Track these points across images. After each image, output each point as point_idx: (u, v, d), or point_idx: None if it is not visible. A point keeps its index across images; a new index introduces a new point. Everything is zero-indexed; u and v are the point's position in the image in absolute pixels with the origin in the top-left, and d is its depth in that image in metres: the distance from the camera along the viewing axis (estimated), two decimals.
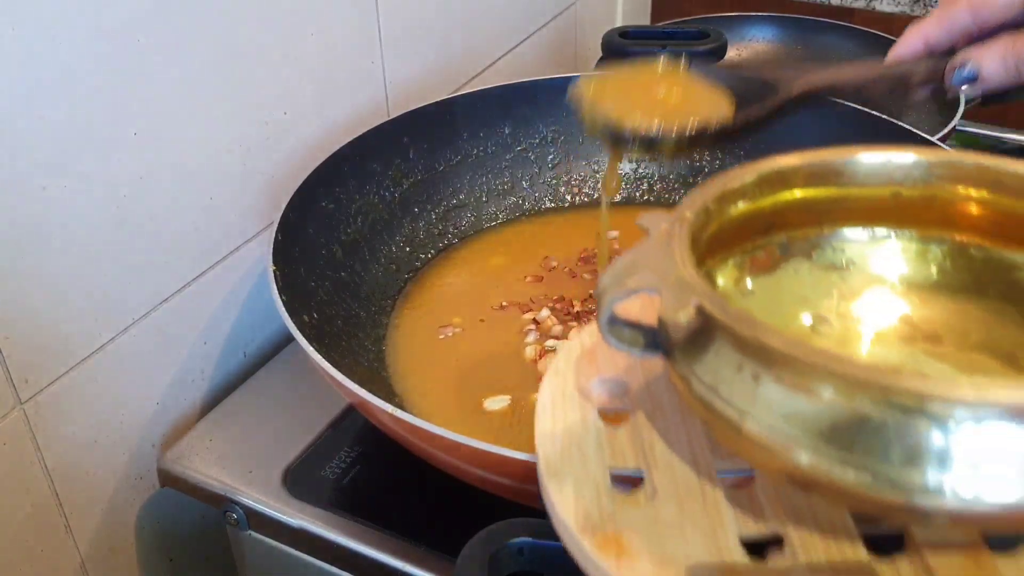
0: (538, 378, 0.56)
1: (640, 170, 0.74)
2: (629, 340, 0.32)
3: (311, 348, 0.47)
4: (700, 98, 0.46)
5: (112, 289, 0.52)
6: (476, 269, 0.67)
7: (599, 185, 0.73)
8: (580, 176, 0.74)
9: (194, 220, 0.56)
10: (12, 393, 0.48)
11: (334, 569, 0.50)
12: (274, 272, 0.52)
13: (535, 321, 0.60)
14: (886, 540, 0.31)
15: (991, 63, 0.43)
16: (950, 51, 0.46)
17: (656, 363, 0.36)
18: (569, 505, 0.32)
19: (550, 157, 0.73)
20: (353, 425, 0.56)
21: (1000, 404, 0.25)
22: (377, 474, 0.53)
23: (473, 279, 0.66)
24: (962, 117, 0.73)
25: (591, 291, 0.63)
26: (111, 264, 0.51)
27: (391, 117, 0.67)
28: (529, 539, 0.36)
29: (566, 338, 0.58)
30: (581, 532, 0.31)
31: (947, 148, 0.60)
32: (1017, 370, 0.35)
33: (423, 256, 0.67)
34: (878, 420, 0.26)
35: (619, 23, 1.08)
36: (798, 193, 0.36)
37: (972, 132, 0.83)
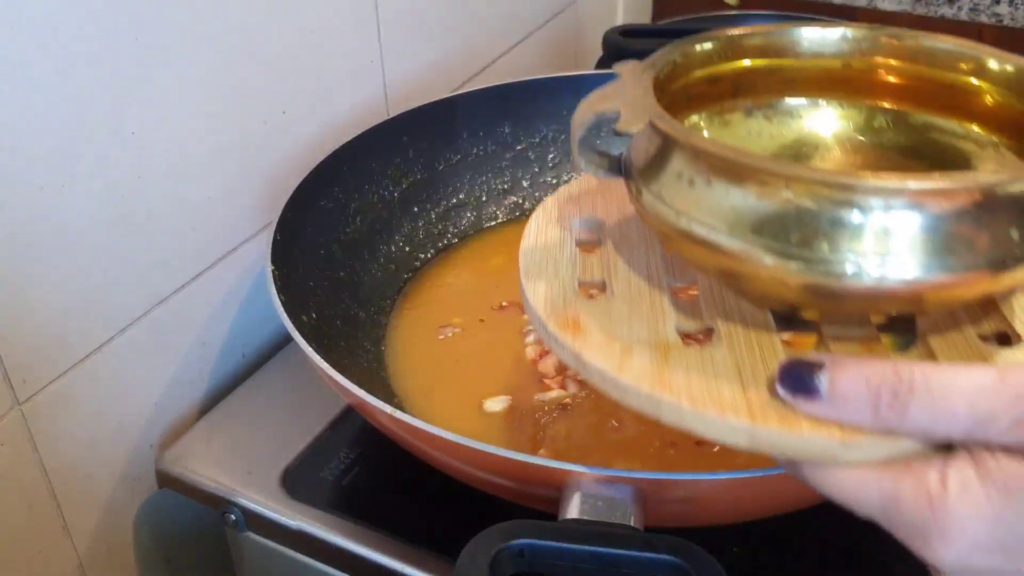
0: (538, 379, 0.55)
1: None
2: (596, 163, 0.38)
3: (310, 348, 0.47)
4: None
5: (110, 289, 0.52)
6: (476, 269, 0.66)
7: None
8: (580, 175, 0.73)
9: (192, 220, 0.56)
10: (10, 393, 0.47)
11: (333, 571, 0.50)
12: (273, 272, 0.52)
13: None
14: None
15: None
16: None
17: (628, 206, 0.43)
18: (540, 298, 0.38)
19: (550, 156, 0.73)
20: (352, 426, 0.56)
21: (905, 191, 0.30)
22: (376, 475, 0.53)
23: (473, 279, 0.65)
24: None
25: None
26: (109, 264, 0.51)
27: (390, 116, 0.66)
28: (529, 540, 0.36)
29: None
30: (546, 317, 0.37)
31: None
32: None
33: (423, 256, 0.67)
34: (799, 212, 0.31)
35: (620, 21, 1.08)
36: (749, 63, 0.42)
37: None
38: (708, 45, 0.41)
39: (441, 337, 0.60)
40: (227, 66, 0.55)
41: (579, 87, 0.72)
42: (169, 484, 0.55)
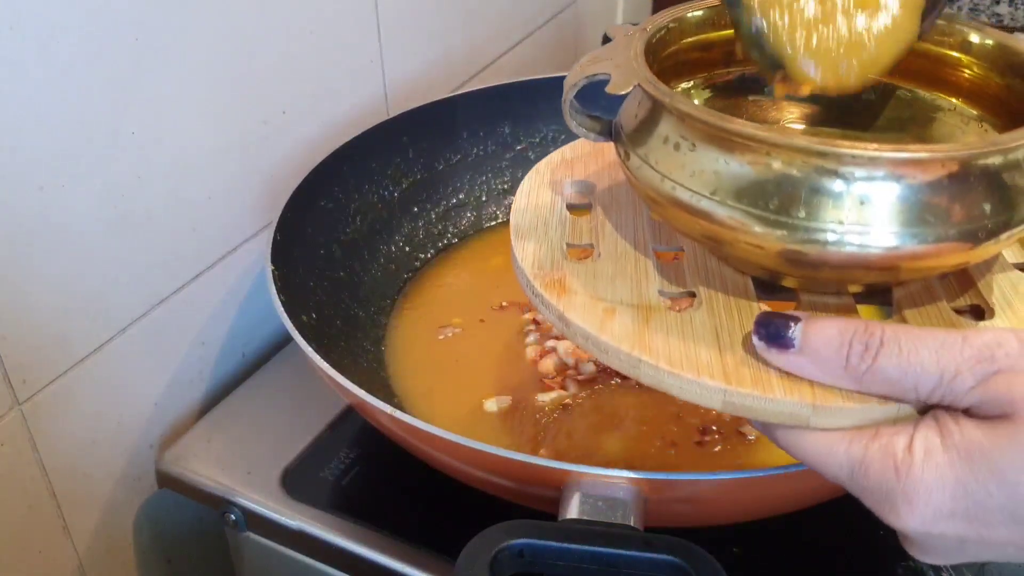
0: (538, 379, 0.55)
1: None
2: (587, 126, 0.39)
3: (310, 348, 0.47)
4: None
5: (110, 289, 0.52)
6: (476, 269, 0.66)
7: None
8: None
9: (192, 220, 0.56)
10: (10, 393, 0.47)
11: (333, 571, 0.50)
12: (273, 272, 0.52)
13: (535, 321, 0.60)
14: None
15: None
16: None
17: (618, 171, 0.44)
18: (528, 257, 0.39)
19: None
20: (352, 426, 0.56)
21: (882, 160, 0.30)
22: (376, 475, 0.53)
23: (473, 279, 0.65)
24: None
25: None
26: (109, 264, 0.51)
27: (390, 116, 0.66)
28: (529, 540, 0.36)
29: (566, 338, 0.58)
30: (533, 277, 0.38)
31: None
32: None
33: (422, 256, 0.67)
34: (780, 178, 0.32)
35: (620, 21, 1.08)
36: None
37: None
38: (700, 12, 0.41)
39: (441, 337, 0.60)
40: (227, 66, 0.55)
41: None
42: (169, 484, 0.55)
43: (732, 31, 0.41)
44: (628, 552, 0.35)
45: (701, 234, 0.35)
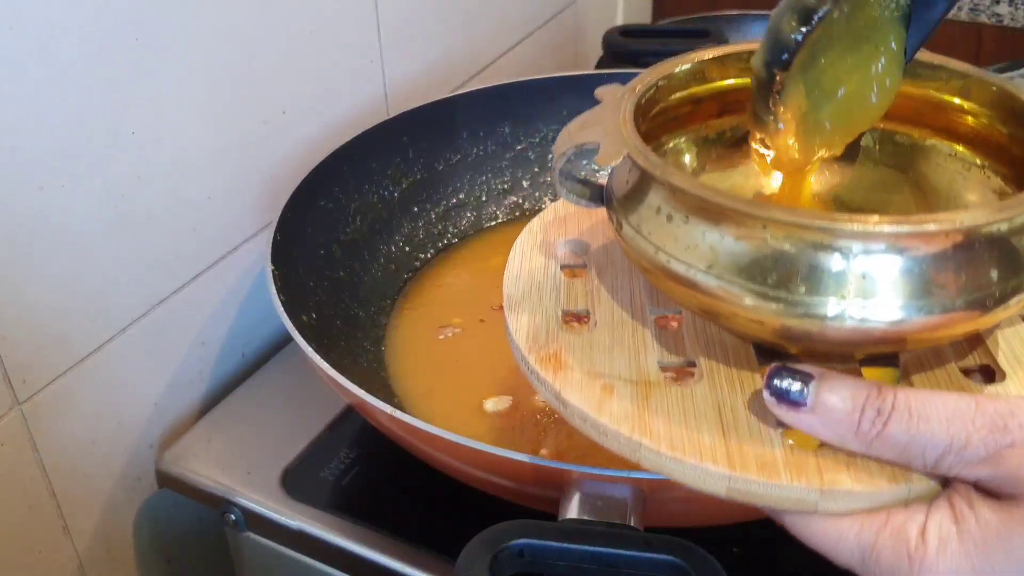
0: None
1: None
2: (578, 192, 0.38)
3: (310, 348, 0.47)
4: None
5: (110, 289, 0.52)
6: (476, 269, 0.66)
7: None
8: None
9: (192, 220, 0.56)
10: (10, 393, 0.47)
11: (333, 571, 0.50)
12: (273, 272, 0.52)
13: None
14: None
15: None
16: None
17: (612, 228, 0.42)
18: (523, 330, 0.38)
19: (550, 156, 0.73)
20: (352, 426, 0.56)
21: (884, 235, 0.29)
22: (376, 475, 0.53)
23: (473, 279, 0.65)
24: None
25: None
26: (109, 264, 0.51)
27: (390, 116, 0.66)
28: (529, 540, 0.36)
29: None
30: (528, 350, 0.36)
31: None
32: None
33: (422, 256, 0.67)
34: (777, 254, 0.31)
35: (620, 21, 1.08)
36: (732, 82, 0.41)
37: None
38: (688, 66, 0.40)
39: (441, 337, 0.60)
40: (227, 66, 0.55)
41: (579, 87, 0.73)
42: (169, 484, 0.55)
43: (723, 83, 0.40)
44: (628, 552, 0.35)
45: (697, 307, 0.34)
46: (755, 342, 0.36)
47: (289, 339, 0.50)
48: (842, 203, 0.42)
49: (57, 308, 0.49)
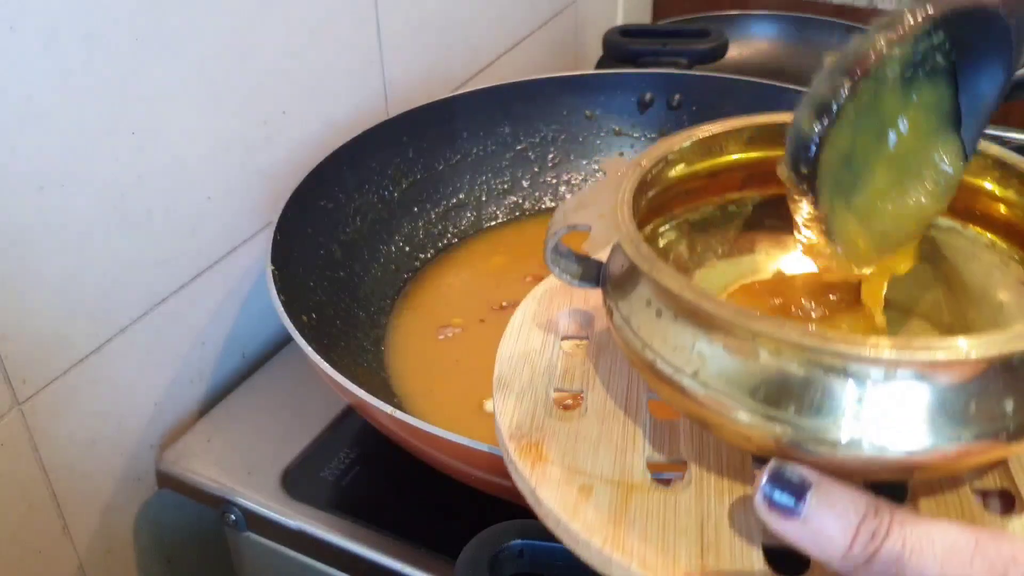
0: None
1: None
2: (571, 272, 0.36)
3: (310, 349, 0.47)
4: None
5: (110, 289, 0.52)
6: (476, 269, 0.66)
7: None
8: (580, 176, 0.73)
9: (192, 220, 0.56)
10: (10, 393, 0.47)
11: (333, 571, 0.50)
12: (272, 272, 0.52)
13: None
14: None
15: None
16: None
17: None
18: (508, 414, 0.35)
19: (550, 156, 0.73)
20: (352, 426, 0.56)
21: (904, 363, 0.27)
22: (376, 475, 0.53)
23: (473, 279, 0.65)
24: None
25: None
26: (109, 264, 0.51)
27: (390, 116, 0.66)
28: (529, 540, 0.36)
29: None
30: (509, 438, 0.34)
31: None
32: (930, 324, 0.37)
33: (423, 256, 0.67)
34: (772, 371, 0.28)
35: (620, 21, 1.08)
36: (755, 154, 0.38)
37: None
38: (705, 136, 0.37)
39: (441, 337, 0.60)
40: (227, 66, 0.55)
41: (579, 87, 0.73)
42: (169, 484, 0.55)
43: (743, 156, 0.38)
44: None
45: (685, 412, 0.32)
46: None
47: (289, 339, 0.50)
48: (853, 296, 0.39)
49: (57, 308, 0.49)
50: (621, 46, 0.80)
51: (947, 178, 0.34)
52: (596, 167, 0.73)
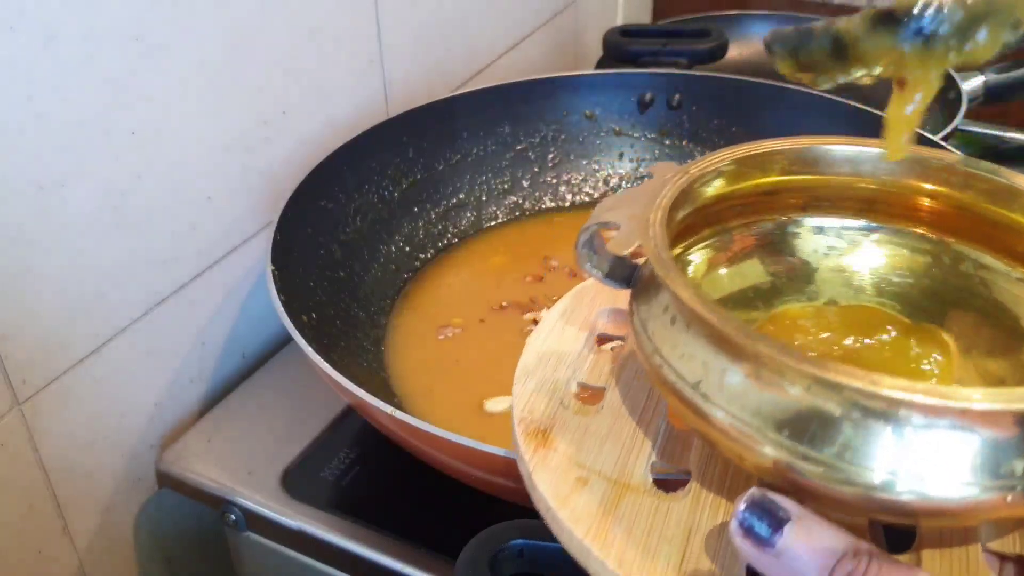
0: None
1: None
2: (599, 267, 0.35)
3: (310, 349, 0.47)
4: None
5: (110, 289, 0.52)
6: (476, 269, 0.66)
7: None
8: (580, 175, 0.73)
9: (192, 220, 0.56)
10: (10, 393, 0.47)
11: (333, 571, 0.50)
12: (272, 272, 0.52)
13: (535, 321, 0.60)
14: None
15: None
16: None
17: None
18: (524, 397, 0.36)
19: (550, 156, 0.73)
20: (352, 426, 0.56)
21: (954, 410, 0.25)
22: (376, 475, 0.53)
23: (473, 279, 0.65)
24: (964, 117, 0.73)
25: None
26: (109, 264, 0.51)
27: (390, 116, 0.66)
28: (529, 540, 0.36)
29: None
30: (519, 421, 0.35)
31: (949, 148, 0.60)
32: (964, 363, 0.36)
33: (423, 256, 0.67)
34: (792, 404, 0.27)
35: (620, 21, 1.08)
36: (810, 176, 0.37)
37: (974, 132, 0.83)
38: (767, 151, 0.36)
39: (441, 337, 0.60)
40: (227, 65, 0.55)
41: (579, 87, 0.73)
42: (169, 484, 0.55)
43: (810, 177, 0.37)
44: None
45: (690, 427, 0.31)
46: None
47: (289, 339, 0.50)
48: (899, 296, 0.38)
49: (57, 308, 0.49)
50: (621, 46, 0.80)
51: None
52: (596, 167, 0.74)
